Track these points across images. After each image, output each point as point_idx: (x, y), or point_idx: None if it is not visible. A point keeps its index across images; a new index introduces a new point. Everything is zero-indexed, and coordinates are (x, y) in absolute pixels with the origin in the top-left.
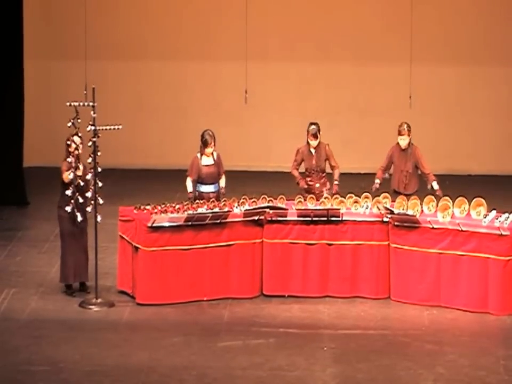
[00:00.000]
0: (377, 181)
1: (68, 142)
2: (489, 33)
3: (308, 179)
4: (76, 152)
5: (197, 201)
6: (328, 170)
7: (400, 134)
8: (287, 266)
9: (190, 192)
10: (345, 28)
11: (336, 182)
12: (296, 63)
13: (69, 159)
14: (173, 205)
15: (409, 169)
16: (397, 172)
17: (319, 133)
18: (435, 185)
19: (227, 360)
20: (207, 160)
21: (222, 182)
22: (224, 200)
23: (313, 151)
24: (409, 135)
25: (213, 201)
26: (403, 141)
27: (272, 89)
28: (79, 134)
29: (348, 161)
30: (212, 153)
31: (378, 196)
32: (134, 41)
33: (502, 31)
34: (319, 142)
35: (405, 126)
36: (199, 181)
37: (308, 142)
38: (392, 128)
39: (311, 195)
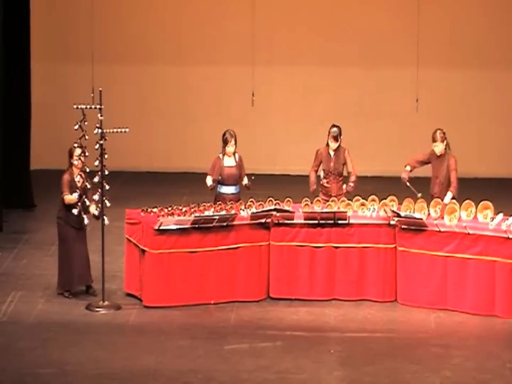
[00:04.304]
0: (407, 168)
1: (75, 145)
2: (497, 37)
3: (325, 181)
4: (79, 163)
5: (219, 202)
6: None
7: (433, 140)
8: (294, 269)
9: (211, 185)
10: (352, 31)
11: (351, 184)
12: (302, 66)
13: (75, 162)
14: (180, 207)
15: (442, 177)
16: (433, 178)
17: (340, 136)
18: (447, 197)
19: (234, 363)
20: (229, 161)
21: (245, 180)
22: (231, 203)
23: (332, 153)
24: (442, 141)
25: (220, 203)
26: (437, 148)
27: (278, 93)
28: (77, 144)
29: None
30: (234, 154)
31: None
32: (140, 44)
33: (510, 34)
34: (339, 146)
35: (438, 132)
36: (219, 181)
37: (327, 144)
38: (399, 132)
39: (328, 197)
